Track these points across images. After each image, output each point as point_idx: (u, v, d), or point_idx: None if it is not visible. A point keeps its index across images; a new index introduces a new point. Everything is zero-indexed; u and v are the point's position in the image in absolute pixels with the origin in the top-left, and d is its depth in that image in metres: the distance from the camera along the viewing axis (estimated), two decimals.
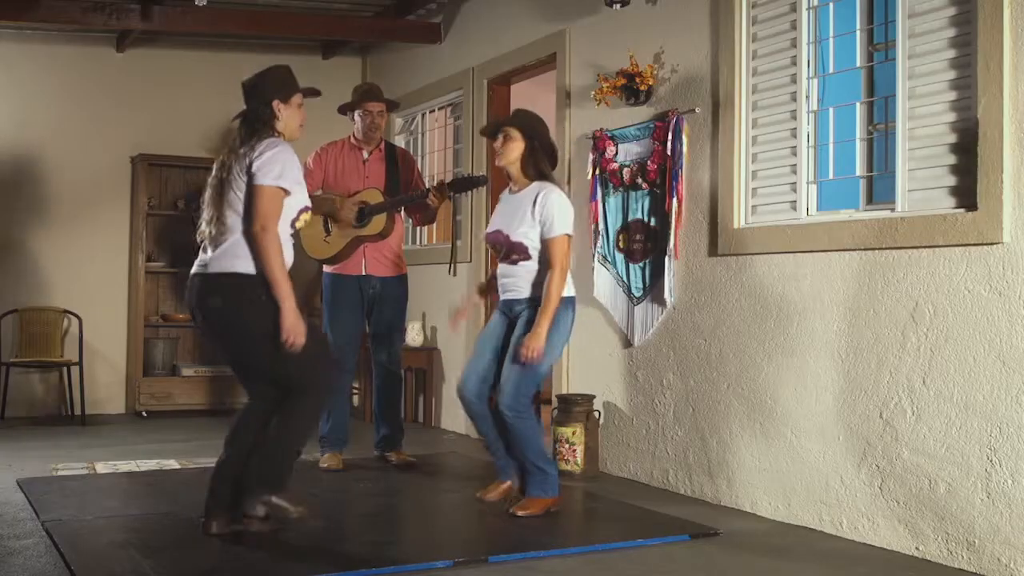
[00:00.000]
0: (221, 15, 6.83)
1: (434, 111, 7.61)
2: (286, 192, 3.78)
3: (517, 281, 4.35)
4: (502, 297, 4.45)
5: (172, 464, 5.57)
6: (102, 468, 5.42)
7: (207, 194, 3.88)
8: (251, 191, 3.75)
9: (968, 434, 3.66)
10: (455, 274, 6.19)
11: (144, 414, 7.43)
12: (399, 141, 7.84)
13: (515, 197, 4.42)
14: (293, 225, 3.87)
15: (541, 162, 4.37)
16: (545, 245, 4.29)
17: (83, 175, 7.59)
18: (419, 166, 6.66)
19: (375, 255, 5.42)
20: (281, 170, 3.76)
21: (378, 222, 5.36)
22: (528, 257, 4.32)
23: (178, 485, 4.99)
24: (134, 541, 3.82)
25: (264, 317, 3.71)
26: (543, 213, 4.27)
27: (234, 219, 3.78)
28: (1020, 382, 3.50)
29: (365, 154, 5.52)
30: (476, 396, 4.42)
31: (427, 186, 5.51)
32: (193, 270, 3.89)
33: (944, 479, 3.73)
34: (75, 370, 7.30)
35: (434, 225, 7.02)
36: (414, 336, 7.14)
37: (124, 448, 6.08)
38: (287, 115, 3.93)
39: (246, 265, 3.75)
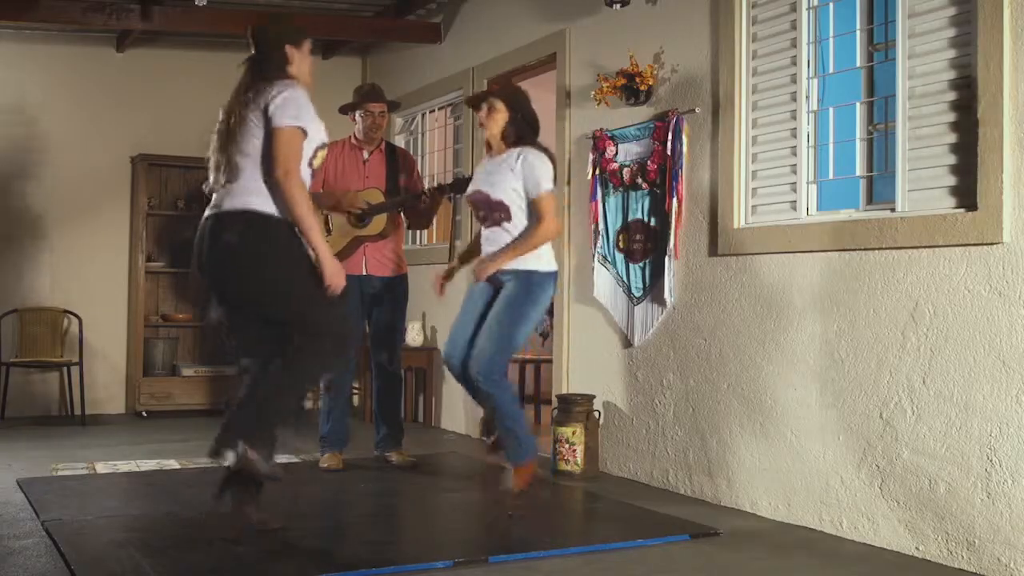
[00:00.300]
0: (221, 15, 6.83)
1: (434, 111, 7.61)
2: (305, 132, 3.71)
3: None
4: None
5: (172, 464, 5.57)
6: (102, 468, 5.42)
7: (213, 142, 3.79)
8: (269, 135, 3.67)
9: (968, 434, 3.66)
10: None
11: (144, 414, 7.43)
12: (399, 141, 7.83)
13: (494, 160, 4.45)
14: (311, 164, 3.80)
15: (524, 132, 4.41)
16: (532, 206, 4.31)
17: (83, 175, 7.59)
18: (419, 166, 6.66)
19: (375, 255, 5.42)
20: (298, 109, 3.70)
21: (378, 222, 5.37)
22: (510, 217, 4.33)
23: (178, 485, 4.99)
24: (134, 541, 3.81)
25: (283, 256, 3.66)
26: (524, 171, 4.31)
27: (245, 162, 3.70)
28: (1020, 382, 3.50)
29: (365, 154, 5.52)
30: (462, 364, 4.42)
31: (425, 188, 5.51)
32: (205, 214, 3.79)
33: (944, 479, 3.73)
34: (75, 370, 7.30)
35: (434, 225, 7.03)
36: (414, 336, 7.14)
37: (124, 448, 6.08)
38: (299, 59, 3.88)
39: (263, 203, 3.67)
